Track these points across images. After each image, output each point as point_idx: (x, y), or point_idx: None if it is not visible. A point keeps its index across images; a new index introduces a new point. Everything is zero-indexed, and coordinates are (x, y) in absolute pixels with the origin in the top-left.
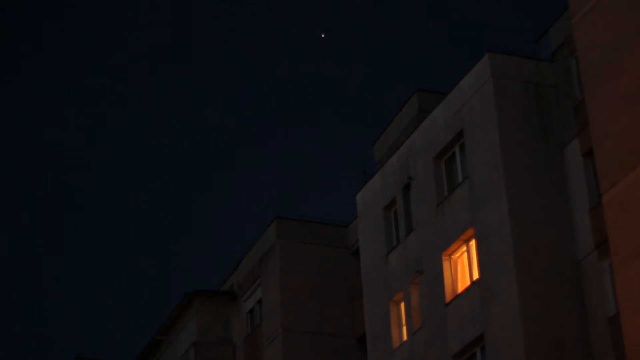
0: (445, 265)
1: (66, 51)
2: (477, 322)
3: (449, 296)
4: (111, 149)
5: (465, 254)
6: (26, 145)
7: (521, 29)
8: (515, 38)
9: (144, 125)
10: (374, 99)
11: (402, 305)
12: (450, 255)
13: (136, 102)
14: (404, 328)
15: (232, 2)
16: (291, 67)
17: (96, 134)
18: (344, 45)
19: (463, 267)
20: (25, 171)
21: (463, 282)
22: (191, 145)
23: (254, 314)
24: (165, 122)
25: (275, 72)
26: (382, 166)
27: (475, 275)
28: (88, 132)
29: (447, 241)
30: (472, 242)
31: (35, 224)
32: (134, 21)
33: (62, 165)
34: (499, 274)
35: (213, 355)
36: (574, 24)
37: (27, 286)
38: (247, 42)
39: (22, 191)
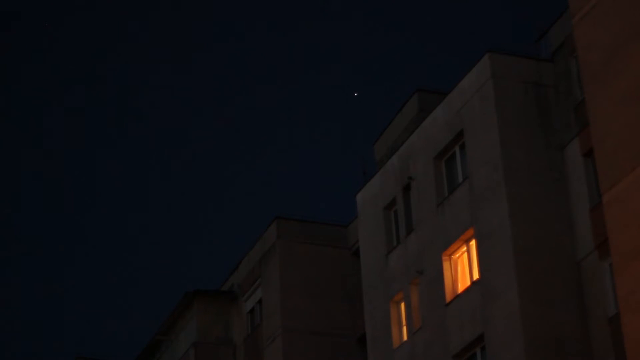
0: (446, 265)
1: (68, 56)
2: (477, 322)
3: (449, 296)
4: (112, 150)
5: (465, 254)
6: (27, 145)
7: (521, 29)
8: (515, 38)
9: (144, 127)
10: (374, 99)
11: (402, 305)
12: (450, 255)
13: (137, 105)
14: (404, 328)
15: (233, 7)
16: (291, 67)
17: (98, 136)
18: (344, 46)
19: (463, 267)
20: (25, 170)
21: (463, 282)
22: (191, 146)
23: (254, 314)
24: (165, 124)
25: (276, 73)
26: (382, 166)
27: (475, 275)
28: (90, 134)
29: (447, 241)
30: (472, 242)
31: (35, 223)
32: (141, 27)
33: (63, 165)
34: (499, 274)
35: (213, 355)
36: (574, 24)
37: (27, 286)
38: (248, 45)
39: (23, 190)
